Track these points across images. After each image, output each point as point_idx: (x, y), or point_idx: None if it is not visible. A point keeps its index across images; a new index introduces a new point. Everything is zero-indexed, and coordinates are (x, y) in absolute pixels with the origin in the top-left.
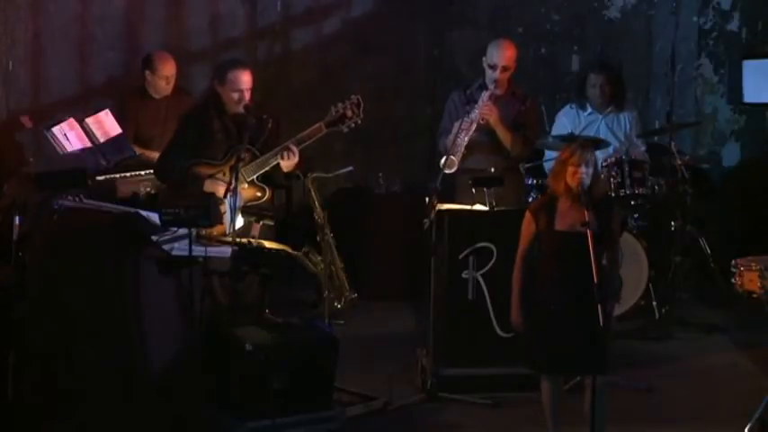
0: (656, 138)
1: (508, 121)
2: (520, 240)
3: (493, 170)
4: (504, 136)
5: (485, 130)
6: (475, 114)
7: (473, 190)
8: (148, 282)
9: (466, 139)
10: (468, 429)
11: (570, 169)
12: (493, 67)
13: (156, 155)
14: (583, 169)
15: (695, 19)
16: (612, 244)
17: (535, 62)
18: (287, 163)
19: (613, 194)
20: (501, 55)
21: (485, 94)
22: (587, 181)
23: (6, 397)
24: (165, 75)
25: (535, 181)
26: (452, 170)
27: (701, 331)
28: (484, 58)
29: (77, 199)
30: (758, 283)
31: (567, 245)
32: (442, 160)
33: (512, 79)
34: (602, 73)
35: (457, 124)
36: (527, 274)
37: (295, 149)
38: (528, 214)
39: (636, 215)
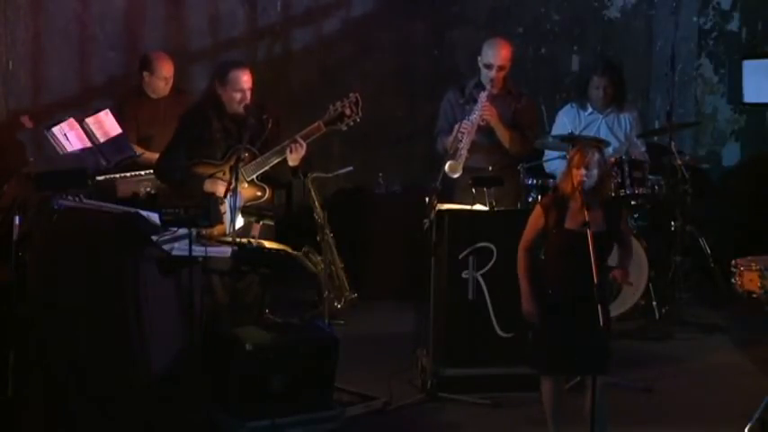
0: (656, 138)
1: (506, 119)
2: (525, 232)
3: (491, 169)
4: (502, 135)
5: (483, 130)
6: (475, 116)
7: (473, 190)
8: (148, 282)
9: (468, 141)
10: (468, 429)
11: (573, 171)
12: (489, 67)
13: (156, 155)
14: (583, 171)
15: (695, 19)
16: (626, 244)
17: (535, 62)
18: (295, 155)
19: (613, 194)
20: (497, 54)
21: (483, 95)
22: (588, 182)
23: (6, 396)
24: (164, 75)
25: (535, 181)
26: (457, 174)
27: (701, 331)
28: (479, 58)
29: (77, 199)
30: (758, 283)
31: (574, 243)
32: (446, 165)
33: (507, 78)
34: (605, 75)
35: (457, 127)
36: (532, 264)
37: (302, 142)
38: (538, 208)
39: (636, 215)
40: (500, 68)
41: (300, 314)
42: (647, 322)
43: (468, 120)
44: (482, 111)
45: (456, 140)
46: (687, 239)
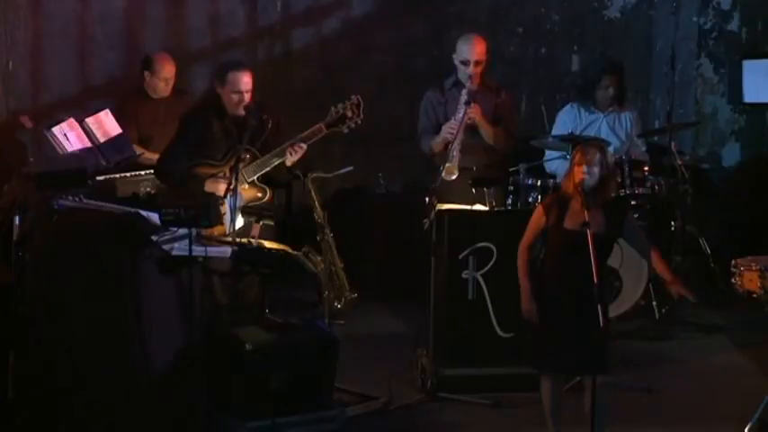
0: (656, 138)
1: (488, 115)
2: (525, 231)
3: (474, 169)
4: (487, 132)
5: (467, 129)
6: (461, 115)
7: (473, 190)
8: (148, 282)
9: (459, 141)
10: (468, 429)
11: (575, 168)
12: (465, 63)
13: (155, 155)
14: (585, 168)
15: (695, 19)
16: (644, 244)
17: (535, 62)
18: (292, 158)
19: (614, 195)
20: (472, 50)
21: (464, 93)
22: (589, 180)
23: (6, 397)
24: (165, 76)
25: (535, 181)
26: (454, 176)
27: (701, 331)
28: (454, 56)
29: (77, 199)
30: (758, 283)
31: (573, 243)
32: (443, 169)
33: (484, 72)
34: (614, 74)
35: (445, 128)
36: (531, 268)
37: (303, 144)
38: (540, 208)
39: (636, 215)
40: (477, 63)
41: (300, 314)
42: (647, 322)
43: (455, 120)
44: (468, 109)
45: (444, 141)
46: (687, 239)
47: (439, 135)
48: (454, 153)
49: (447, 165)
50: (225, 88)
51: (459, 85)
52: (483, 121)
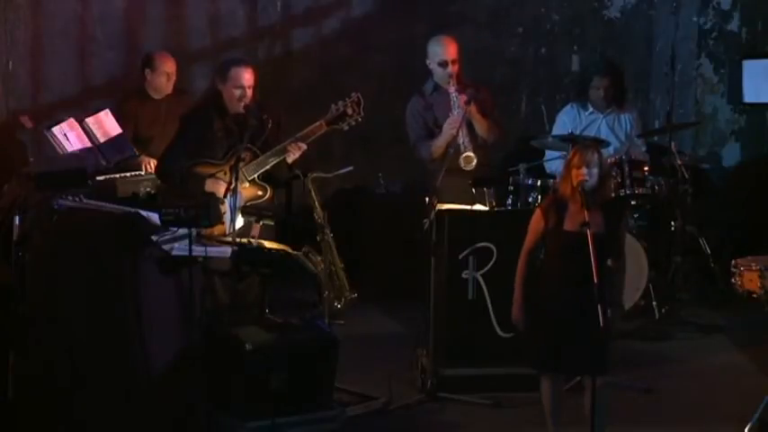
0: (656, 138)
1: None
2: (527, 236)
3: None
4: (481, 126)
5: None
6: (458, 112)
7: (473, 190)
8: (148, 282)
9: (464, 132)
10: (468, 429)
11: (573, 171)
12: (443, 65)
13: (155, 160)
14: (584, 170)
15: (695, 19)
16: (619, 251)
17: (535, 62)
18: (293, 156)
19: (613, 194)
20: (447, 50)
21: (452, 91)
22: (590, 181)
23: (6, 397)
24: (166, 71)
25: (535, 181)
26: (474, 163)
27: (701, 331)
28: (428, 61)
29: (77, 199)
30: (758, 283)
31: (573, 245)
32: (461, 159)
33: (460, 71)
34: (606, 75)
35: (446, 126)
36: (530, 270)
37: (303, 141)
38: (538, 211)
39: (636, 215)
40: (453, 62)
41: (300, 314)
42: (647, 322)
43: (453, 114)
44: (465, 107)
45: (448, 139)
46: (687, 239)
47: (440, 137)
48: (465, 144)
49: (465, 155)
50: (227, 84)
51: (439, 88)
52: (478, 116)
